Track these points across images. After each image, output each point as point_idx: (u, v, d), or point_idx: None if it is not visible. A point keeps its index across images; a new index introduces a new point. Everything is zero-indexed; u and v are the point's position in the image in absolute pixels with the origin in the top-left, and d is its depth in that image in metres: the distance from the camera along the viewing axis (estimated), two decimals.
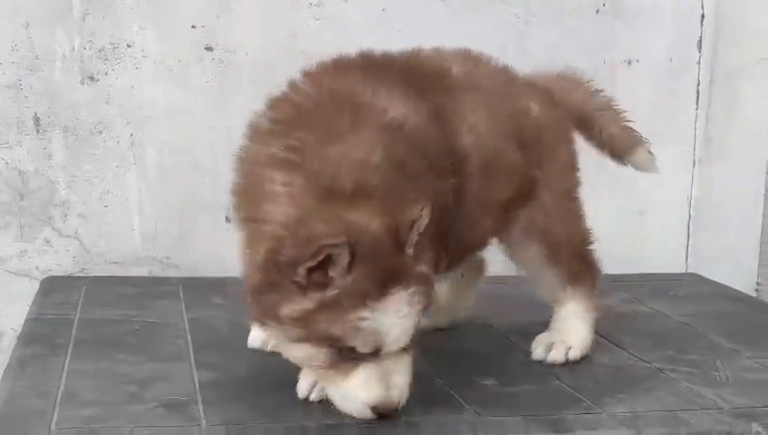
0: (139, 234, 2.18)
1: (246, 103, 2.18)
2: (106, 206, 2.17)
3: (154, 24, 2.13)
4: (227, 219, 2.21)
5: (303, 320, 1.23)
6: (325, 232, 1.20)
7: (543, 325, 1.67)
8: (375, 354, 1.25)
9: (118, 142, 2.16)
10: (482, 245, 1.62)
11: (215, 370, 1.51)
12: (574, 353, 1.59)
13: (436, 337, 1.71)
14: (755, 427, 1.34)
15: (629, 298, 2.02)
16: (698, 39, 2.41)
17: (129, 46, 2.14)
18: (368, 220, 1.22)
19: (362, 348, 1.24)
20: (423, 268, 1.27)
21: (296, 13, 2.20)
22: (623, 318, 1.87)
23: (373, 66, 1.49)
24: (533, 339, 1.65)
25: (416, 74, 1.49)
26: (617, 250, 2.20)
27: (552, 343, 1.61)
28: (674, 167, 2.40)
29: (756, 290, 2.35)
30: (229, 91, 2.18)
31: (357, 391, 1.26)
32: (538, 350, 1.61)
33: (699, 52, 2.42)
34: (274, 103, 1.43)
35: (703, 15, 2.41)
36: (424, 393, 1.43)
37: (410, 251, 1.25)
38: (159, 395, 1.39)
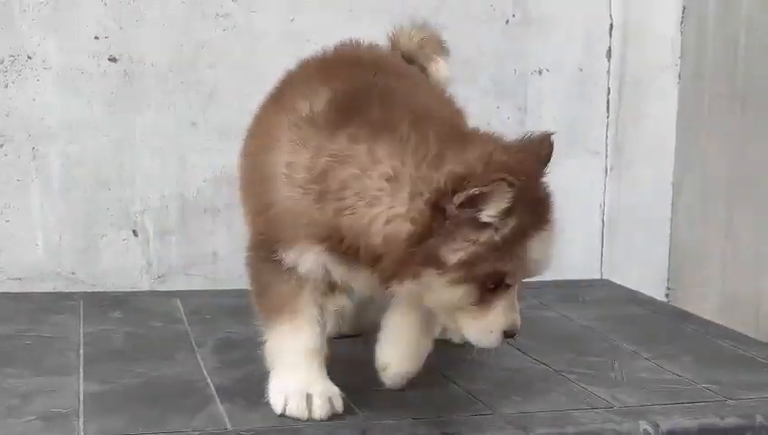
0: (43, 249, 2.13)
1: (152, 115, 2.18)
2: (7, 220, 2.11)
3: (55, 35, 2.09)
4: (135, 233, 2.18)
5: (471, 260, 1.22)
6: (492, 169, 1.20)
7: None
8: (514, 285, 1.28)
9: (19, 156, 2.11)
10: None
11: (102, 382, 1.47)
12: None
13: (340, 343, 1.69)
14: (643, 425, 1.34)
15: (537, 304, 2.02)
16: (607, 48, 2.44)
17: (29, 58, 2.09)
18: (514, 158, 1.23)
19: (516, 279, 1.27)
20: None
21: (203, 23, 2.18)
22: (528, 323, 1.85)
23: None
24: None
25: None
26: None
27: None
28: (587, 175, 2.43)
29: (667, 295, 2.37)
30: (135, 103, 2.15)
31: (497, 321, 1.28)
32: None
33: (608, 61, 2.44)
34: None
35: (611, 25, 2.44)
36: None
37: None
38: (40, 408, 1.35)
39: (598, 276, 2.41)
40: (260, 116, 1.51)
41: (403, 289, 1.26)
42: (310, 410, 1.33)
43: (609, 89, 2.44)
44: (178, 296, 2.03)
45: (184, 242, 2.21)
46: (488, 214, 1.20)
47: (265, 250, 1.37)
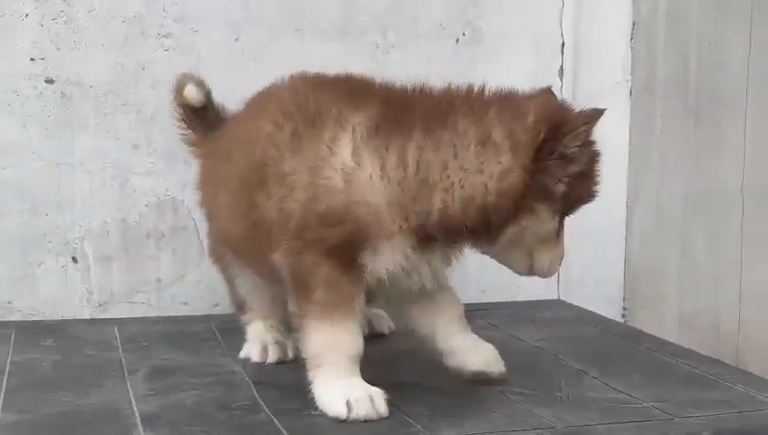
0: None
1: (92, 137, 2.12)
2: None
3: None
4: (74, 260, 2.11)
5: (568, 190, 1.43)
6: (581, 114, 1.45)
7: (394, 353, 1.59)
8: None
9: None
10: None
11: (20, 412, 1.40)
12: None
13: (278, 369, 1.64)
14: None
15: (487, 325, 1.97)
16: (560, 66, 2.41)
17: None
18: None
19: (579, 207, 1.49)
20: None
21: (144, 43, 2.13)
22: None
23: None
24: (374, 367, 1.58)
25: None
26: (487, 279, 2.17)
27: None
28: None
29: (623, 315, 2.32)
30: (73, 125, 2.09)
31: (562, 249, 1.50)
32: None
33: (561, 79, 2.42)
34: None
35: (563, 43, 2.41)
36: (245, 425, 1.36)
37: None
38: None
39: (555, 297, 2.37)
40: (300, 140, 1.47)
41: (505, 238, 1.42)
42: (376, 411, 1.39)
43: None
44: (117, 324, 1.96)
45: (126, 268, 2.15)
46: (574, 149, 1.41)
47: (341, 252, 1.39)
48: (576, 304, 2.26)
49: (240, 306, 1.77)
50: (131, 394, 1.50)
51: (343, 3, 2.25)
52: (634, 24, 2.32)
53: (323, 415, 1.40)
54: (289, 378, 1.59)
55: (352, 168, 1.40)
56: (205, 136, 1.83)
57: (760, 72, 2.20)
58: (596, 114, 1.45)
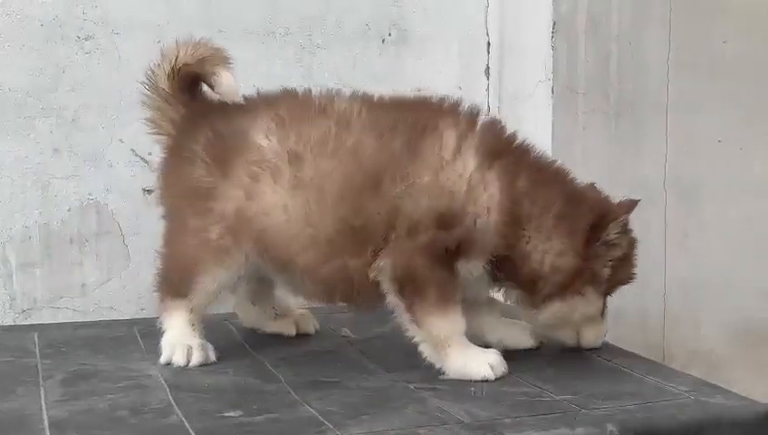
0: None
1: (12, 142, 2.10)
2: None
3: None
4: None
5: (612, 273, 1.66)
6: (622, 205, 1.71)
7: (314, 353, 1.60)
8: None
9: None
10: None
11: None
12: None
13: (195, 372, 1.63)
14: None
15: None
16: (485, 66, 2.44)
17: None
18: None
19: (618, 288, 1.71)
20: None
21: (63, 46, 2.11)
22: (397, 342, 1.81)
23: None
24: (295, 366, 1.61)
25: None
26: None
27: None
28: None
29: None
30: None
31: (606, 325, 1.73)
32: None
33: (487, 78, 2.44)
34: None
35: (489, 43, 2.44)
36: (155, 429, 1.35)
37: None
38: None
39: None
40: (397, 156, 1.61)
41: (552, 308, 1.63)
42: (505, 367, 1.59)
43: (489, 106, 2.43)
44: (37, 330, 1.93)
45: (49, 274, 2.13)
46: (616, 235, 1.64)
47: (443, 258, 1.58)
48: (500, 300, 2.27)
49: (177, 289, 1.70)
50: (43, 400, 1.48)
51: (267, 4, 2.26)
52: (554, 24, 2.35)
53: (234, 417, 1.40)
54: (205, 381, 1.58)
55: (480, 193, 1.59)
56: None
57: (679, 69, 2.24)
58: (633, 205, 1.69)
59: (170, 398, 1.50)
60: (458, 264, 1.59)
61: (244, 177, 1.64)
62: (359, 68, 2.33)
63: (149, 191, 2.18)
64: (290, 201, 1.62)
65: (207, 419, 1.39)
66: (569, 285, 1.61)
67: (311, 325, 1.91)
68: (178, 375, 1.62)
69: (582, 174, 2.28)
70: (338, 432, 1.33)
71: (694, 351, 2.33)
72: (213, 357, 1.69)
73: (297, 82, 2.21)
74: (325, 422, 1.37)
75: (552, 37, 2.32)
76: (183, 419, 1.39)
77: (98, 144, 2.14)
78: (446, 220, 1.58)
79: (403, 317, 1.61)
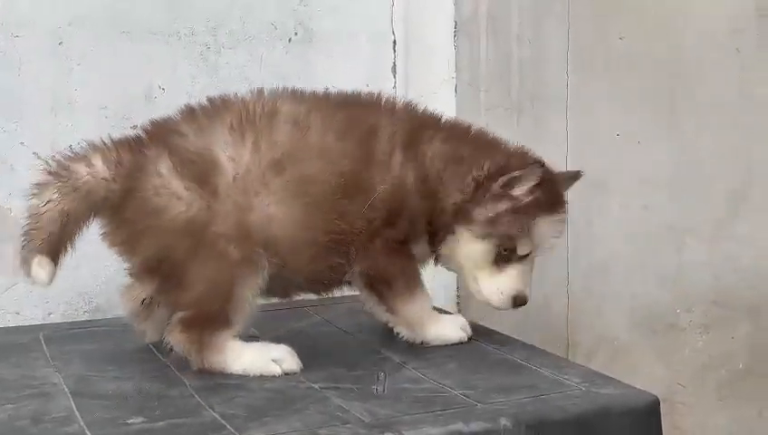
0: None
1: None
2: None
3: None
4: None
5: (493, 219, 1.70)
6: (528, 157, 1.76)
7: None
8: (524, 257, 1.73)
9: None
10: None
11: None
12: None
13: (98, 380, 1.63)
14: None
15: (322, 321, 2.01)
16: (392, 64, 2.47)
17: None
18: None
19: (521, 250, 1.72)
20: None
21: None
22: (306, 342, 1.84)
23: None
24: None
25: None
26: None
27: None
28: None
29: (458, 304, 2.40)
30: None
31: (507, 284, 1.74)
32: None
33: (394, 76, 2.47)
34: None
35: (395, 41, 2.47)
36: None
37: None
38: None
39: None
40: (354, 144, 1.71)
41: (446, 249, 1.75)
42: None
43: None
44: None
45: None
46: (516, 190, 1.69)
47: (399, 249, 1.73)
48: None
49: (220, 321, 1.64)
50: None
51: (171, 4, 2.25)
52: (456, 24, 2.40)
53: (137, 423, 1.41)
54: (110, 387, 1.59)
55: (410, 176, 1.72)
56: None
57: (578, 65, 2.31)
58: (535, 169, 1.71)
59: (73, 405, 1.49)
60: (411, 248, 1.75)
61: (224, 194, 1.62)
62: (265, 68, 2.34)
63: None
64: (275, 209, 1.63)
65: (109, 426, 1.40)
66: (449, 224, 1.72)
67: None
68: (82, 382, 1.61)
69: None
70: None
71: (598, 338, 2.41)
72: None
73: (203, 82, 2.24)
74: (227, 426, 1.39)
75: (455, 36, 2.36)
76: (84, 427, 1.40)
77: (0, 148, 2.11)
78: (392, 218, 1.71)
79: (375, 308, 1.80)
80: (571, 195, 2.33)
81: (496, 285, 1.73)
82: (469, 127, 1.83)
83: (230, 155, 1.64)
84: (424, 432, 1.35)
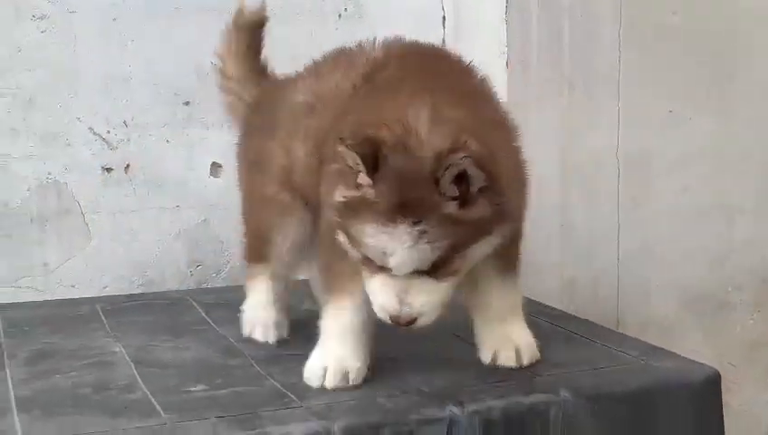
0: None
1: None
2: None
3: None
4: None
5: (340, 210, 1.33)
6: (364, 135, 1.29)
7: None
8: (387, 270, 1.31)
9: None
10: None
11: None
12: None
13: (159, 349, 1.65)
14: (448, 407, 1.33)
15: None
16: (441, 40, 2.46)
17: None
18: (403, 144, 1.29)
19: (373, 259, 1.32)
20: (458, 211, 1.28)
21: (18, 25, 2.10)
22: None
23: None
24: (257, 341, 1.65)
25: None
26: None
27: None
28: None
29: None
30: None
31: (375, 294, 1.35)
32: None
33: None
34: None
35: (444, 17, 2.46)
36: (119, 404, 1.37)
37: (448, 188, 1.27)
38: None
39: None
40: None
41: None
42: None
43: None
44: None
45: (10, 254, 2.13)
46: (362, 176, 1.29)
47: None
48: None
49: (257, 252, 1.71)
50: (9, 379, 1.50)
51: None
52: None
53: (199, 391, 1.43)
54: (170, 357, 1.61)
55: None
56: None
57: (630, 41, 2.29)
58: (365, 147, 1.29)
59: (135, 373, 1.52)
60: None
61: (283, 134, 1.66)
62: (315, 44, 2.33)
63: (109, 169, 2.19)
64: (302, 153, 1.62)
65: (173, 393, 1.42)
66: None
67: None
68: (142, 352, 1.64)
69: (537, 146, 2.33)
70: (301, 404, 1.36)
71: (646, 318, 2.40)
72: (284, 334, 1.70)
73: None
74: (289, 394, 1.41)
75: (506, 12, 2.35)
76: (148, 393, 1.42)
77: (55, 123, 2.14)
78: None
79: None
80: (622, 173, 2.33)
81: (370, 291, 1.36)
82: None
83: (294, 98, 1.67)
84: (485, 403, 1.35)
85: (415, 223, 1.27)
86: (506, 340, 1.51)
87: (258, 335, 1.69)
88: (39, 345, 1.69)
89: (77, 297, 2.11)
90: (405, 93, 1.36)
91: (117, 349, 1.66)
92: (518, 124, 1.55)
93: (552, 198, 2.29)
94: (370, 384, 1.44)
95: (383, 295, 1.33)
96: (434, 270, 1.31)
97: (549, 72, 2.28)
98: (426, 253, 1.28)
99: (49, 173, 2.14)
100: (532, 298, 2.05)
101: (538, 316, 1.81)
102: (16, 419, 1.32)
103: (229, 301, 1.83)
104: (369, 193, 1.28)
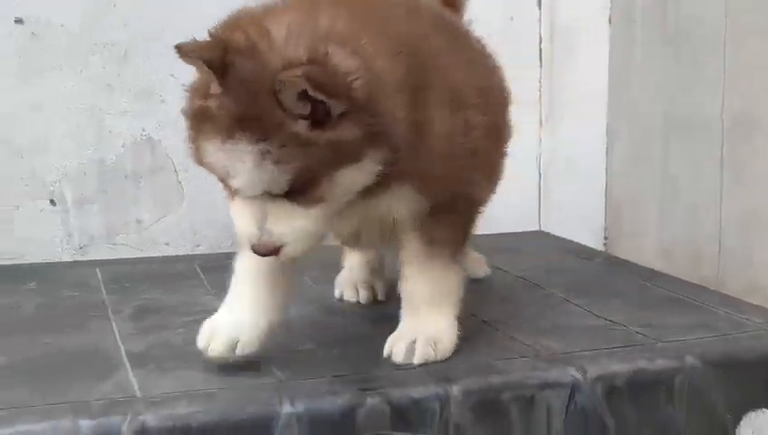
0: None
1: (64, 78, 2.08)
2: None
3: None
4: (52, 202, 2.09)
5: (190, 122, 1.19)
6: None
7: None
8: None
9: None
10: None
11: (6, 355, 1.39)
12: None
13: None
14: (570, 371, 1.29)
15: None
16: None
17: None
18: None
19: (222, 180, 1.20)
20: (309, 132, 1.13)
21: None
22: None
23: None
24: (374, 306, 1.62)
25: None
26: None
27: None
28: (521, 127, 2.36)
29: (604, 244, 2.33)
30: (44, 66, 2.05)
31: (234, 218, 1.22)
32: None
33: (539, 8, 2.39)
34: None
35: None
36: (237, 361, 1.35)
37: (294, 105, 1.12)
38: None
39: (535, 228, 2.38)
40: None
41: None
42: None
43: (540, 37, 2.38)
44: (98, 266, 1.94)
45: (105, 210, 2.13)
46: (214, 85, 1.15)
47: None
48: (559, 234, 2.26)
49: None
50: (117, 334, 1.49)
51: None
52: None
53: (311, 349, 1.41)
54: (293, 314, 1.58)
55: None
56: None
57: None
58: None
59: None
60: None
61: None
62: None
63: None
64: None
65: (282, 351, 1.40)
66: None
67: (481, 270, 1.82)
68: None
69: (639, 106, 2.26)
70: (415, 366, 1.33)
71: (749, 287, 2.31)
72: (379, 296, 1.65)
73: None
74: None
75: None
76: (258, 353, 1.40)
77: (149, 80, 2.12)
78: None
79: None
80: (726, 135, 2.23)
81: (232, 217, 1.24)
82: None
83: None
84: (608, 368, 1.30)
85: (258, 141, 1.12)
86: (405, 333, 1.36)
87: (348, 296, 1.66)
88: (142, 301, 1.68)
89: (172, 255, 2.11)
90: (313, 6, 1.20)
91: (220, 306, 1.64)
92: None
93: (653, 159, 2.22)
94: (482, 347, 1.40)
95: (241, 220, 1.20)
96: (294, 195, 1.17)
97: (653, 29, 2.19)
98: (273, 174, 1.14)
99: (143, 130, 2.13)
100: (629, 260, 2.00)
101: (647, 280, 1.76)
102: (130, 373, 1.31)
103: (323, 261, 1.80)
104: (214, 105, 1.14)
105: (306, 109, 1.13)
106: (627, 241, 2.29)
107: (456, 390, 1.25)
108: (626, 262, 1.98)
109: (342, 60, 1.14)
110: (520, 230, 2.29)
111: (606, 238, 2.35)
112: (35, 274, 1.88)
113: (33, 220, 2.07)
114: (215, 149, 1.15)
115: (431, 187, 1.28)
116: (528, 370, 1.30)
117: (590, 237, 2.31)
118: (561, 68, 2.35)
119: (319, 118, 1.13)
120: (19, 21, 2.03)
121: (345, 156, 1.16)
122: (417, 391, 1.24)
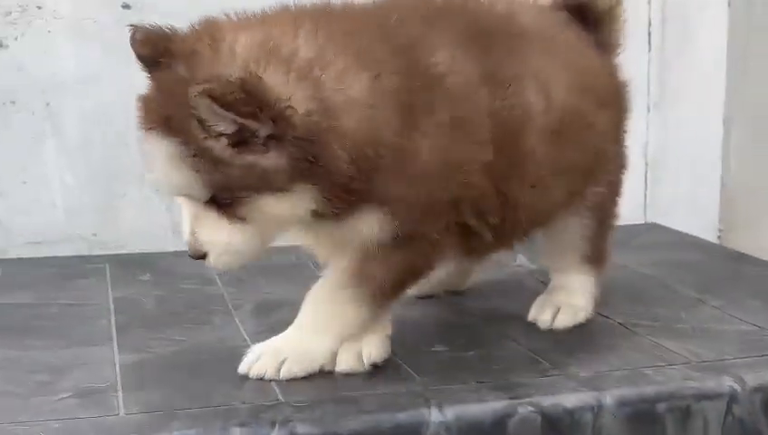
0: (63, 210, 2.03)
1: None
2: (24, 182, 2.01)
3: None
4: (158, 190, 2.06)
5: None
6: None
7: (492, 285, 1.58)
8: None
9: (33, 113, 1.99)
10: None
11: (138, 352, 1.37)
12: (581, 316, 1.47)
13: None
14: (727, 381, 1.23)
15: None
16: None
17: (39, 8, 1.97)
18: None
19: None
20: (226, 151, 1.10)
21: None
22: None
23: None
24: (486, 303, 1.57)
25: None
26: None
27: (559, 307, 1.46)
28: None
29: (718, 237, 2.26)
30: None
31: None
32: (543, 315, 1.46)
33: None
34: None
35: None
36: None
37: (212, 121, 1.08)
38: (74, 383, 1.25)
39: (641, 221, 2.30)
40: None
41: None
42: None
43: (650, 20, 2.29)
44: None
45: None
46: None
47: None
48: (666, 225, 2.19)
49: None
50: (243, 330, 1.47)
51: None
52: None
53: (444, 351, 1.37)
54: (397, 312, 1.55)
55: None
56: None
57: None
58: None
59: None
60: None
61: None
62: None
63: None
64: None
65: (415, 353, 1.36)
66: None
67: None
68: None
69: (758, 93, 2.16)
70: (558, 371, 1.28)
71: None
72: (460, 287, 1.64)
73: None
74: (540, 360, 1.33)
75: None
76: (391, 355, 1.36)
77: None
78: None
79: None
80: None
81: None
82: None
83: None
84: (766, 378, 1.24)
85: (175, 144, 1.12)
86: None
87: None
88: (261, 296, 1.66)
89: (281, 246, 2.07)
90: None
91: None
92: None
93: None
94: (626, 352, 1.34)
95: (183, 220, 1.20)
96: (219, 206, 1.15)
97: None
98: (189, 180, 1.13)
99: None
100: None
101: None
102: None
103: None
104: (150, 95, 1.18)
105: (229, 127, 1.09)
106: (742, 234, 2.20)
107: (609, 399, 1.20)
108: (749, 257, 1.90)
109: (281, 84, 1.10)
110: (624, 222, 2.21)
111: (720, 231, 2.27)
112: (147, 264, 1.86)
113: (140, 208, 2.05)
114: (140, 141, 1.17)
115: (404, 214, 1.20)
116: (682, 379, 1.24)
117: (702, 230, 2.23)
118: (673, 52, 2.26)
119: (243, 139, 1.10)
120: (126, 7, 2.01)
121: (266, 183, 1.12)
122: (569, 401, 1.19)
